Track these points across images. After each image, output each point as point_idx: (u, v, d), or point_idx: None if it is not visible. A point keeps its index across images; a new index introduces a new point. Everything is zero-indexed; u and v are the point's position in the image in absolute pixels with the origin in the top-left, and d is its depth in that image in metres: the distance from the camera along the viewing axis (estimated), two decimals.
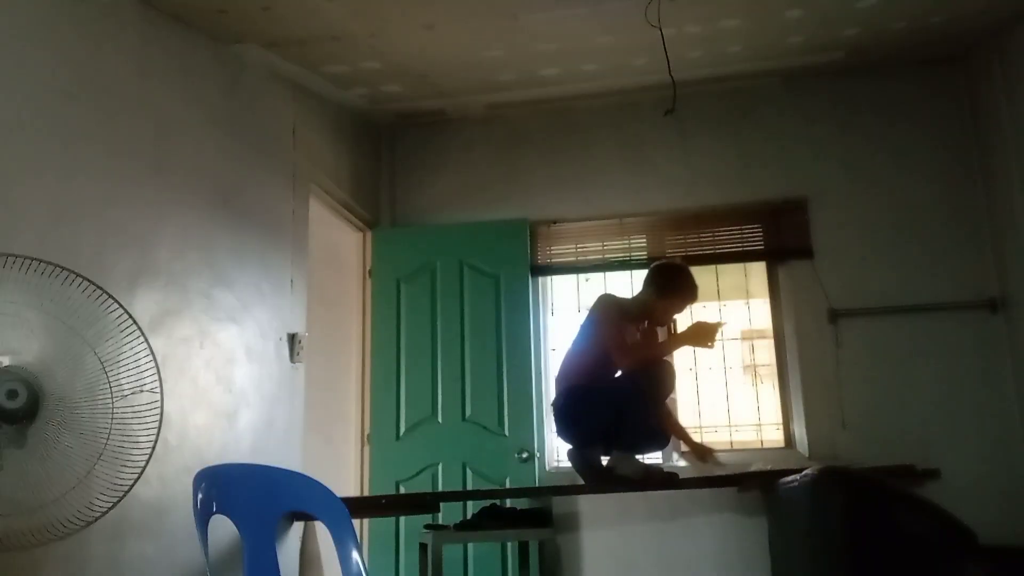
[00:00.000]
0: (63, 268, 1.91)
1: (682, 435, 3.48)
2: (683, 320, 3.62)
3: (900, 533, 2.69)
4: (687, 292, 3.29)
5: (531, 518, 3.44)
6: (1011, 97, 3.65)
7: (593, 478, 3.23)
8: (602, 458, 3.27)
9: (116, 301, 1.96)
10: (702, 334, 3.20)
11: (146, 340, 1.97)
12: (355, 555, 2.39)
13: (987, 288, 3.81)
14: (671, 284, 3.30)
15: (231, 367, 3.00)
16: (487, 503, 3.43)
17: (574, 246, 4.35)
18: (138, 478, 1.90)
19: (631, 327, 3.31)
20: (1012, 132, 3.65)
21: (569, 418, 3.23)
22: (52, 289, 1.90)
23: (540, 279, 4.35)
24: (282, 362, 3.36)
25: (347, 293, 4.33)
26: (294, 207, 3.57)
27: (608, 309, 3.29)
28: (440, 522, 3.49)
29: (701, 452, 3.44)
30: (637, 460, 3.23)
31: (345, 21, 3.19)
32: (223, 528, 2.46)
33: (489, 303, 4.15)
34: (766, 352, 4.36)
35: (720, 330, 3.23)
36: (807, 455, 3.83)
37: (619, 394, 3.16)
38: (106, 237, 2.43)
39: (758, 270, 4.35)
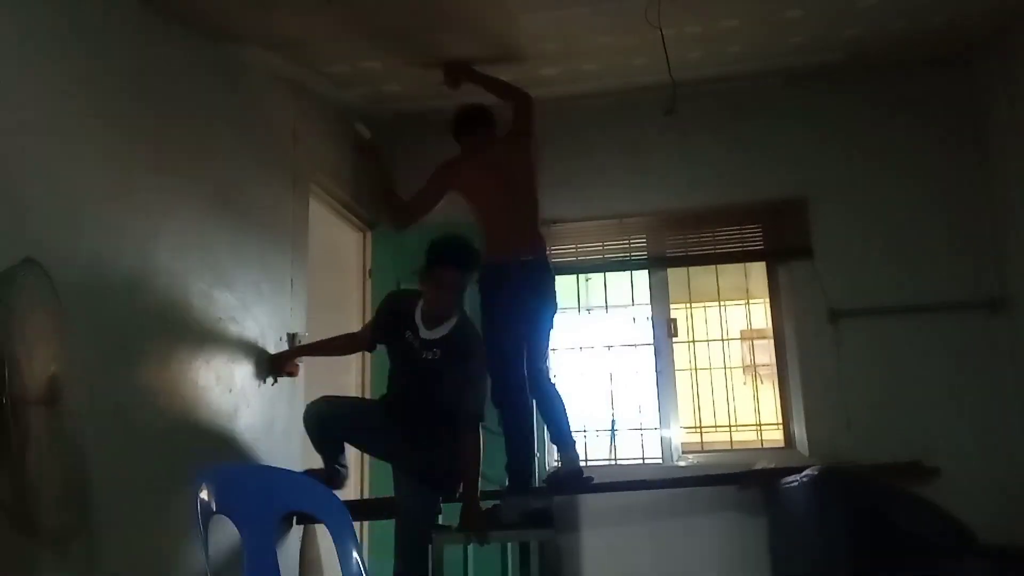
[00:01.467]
0: None
1: None
2: None
3: (900, 533, 2.70)
4: None
5: (531, 518, 3.44)
6: (1012, 97, 3.65)
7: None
8: None
9: None
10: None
11: None
12: (355, 555, 2.39)
13: (987, 288, 3.81)
14: None
15: (231, 367, 3.00)
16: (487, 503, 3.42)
17: (574, 246, 4.35)
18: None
19: None
20: (1013, 132, 3.65)
21: None
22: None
23: None
24: None
25: (347, 293, 4.32)
26: (294, 207, 3.56)
27: None
28: (440, 522, 3.49)
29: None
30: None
31: (345, 21, 3.19)
32: (223, 528, 2.46)
33: None
34: (766, 352, 4.36)
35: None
36: (807, 455, 3.83)
37: None
38: (106, 237, 2.43)
39: (758, 270, 4.35)
